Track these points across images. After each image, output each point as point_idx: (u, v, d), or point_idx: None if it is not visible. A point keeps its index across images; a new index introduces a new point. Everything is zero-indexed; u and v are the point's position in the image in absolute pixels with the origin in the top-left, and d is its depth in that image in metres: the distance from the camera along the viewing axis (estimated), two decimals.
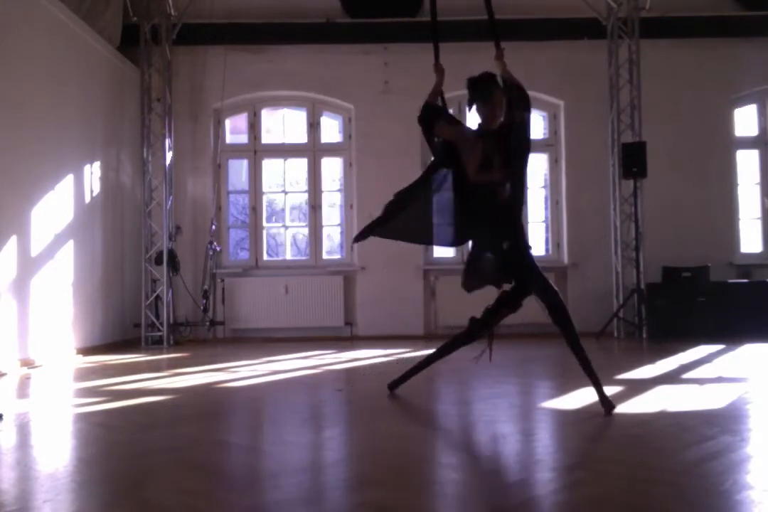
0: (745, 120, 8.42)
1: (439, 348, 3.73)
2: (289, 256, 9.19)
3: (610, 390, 3.87)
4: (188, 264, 7.99)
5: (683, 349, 6.07)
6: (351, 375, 5.06)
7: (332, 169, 8.85)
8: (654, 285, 7.44)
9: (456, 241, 3.86)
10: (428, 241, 4.17)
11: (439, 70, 3.75)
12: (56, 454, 2.68)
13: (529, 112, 3.50)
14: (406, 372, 3.85)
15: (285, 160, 8.56)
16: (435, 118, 3.60)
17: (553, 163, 8.36)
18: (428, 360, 3.79)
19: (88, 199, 6.88)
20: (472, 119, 3.68)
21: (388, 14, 8.08)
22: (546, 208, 8.45)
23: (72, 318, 6.48)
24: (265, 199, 8.69)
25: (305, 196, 8.61)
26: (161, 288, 7.64)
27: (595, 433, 2.82)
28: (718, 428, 2.82)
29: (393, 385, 3.85)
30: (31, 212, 5.80)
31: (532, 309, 8.80)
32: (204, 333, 7.91)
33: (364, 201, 7.95)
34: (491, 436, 2.91)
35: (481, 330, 3.57)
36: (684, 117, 8.03)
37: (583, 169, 8.10)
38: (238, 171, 9.77)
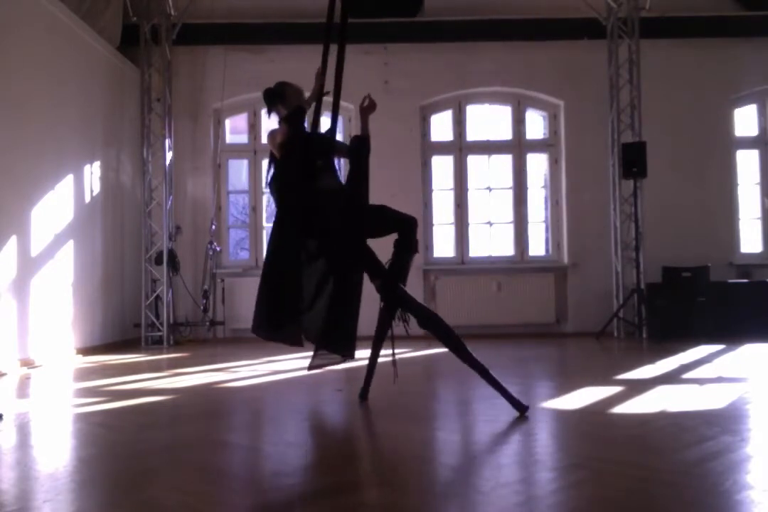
0: (745, 120, 8.42)
1: (458, 349, 3.55)
2: None
3: (610, 390, 3.88)
4: (188, 264, 7.99)
5: (683, 349, 6.07)
6: (351, 375, 5.06)
7: None
8: (654, 285, 7.44)
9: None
10: None
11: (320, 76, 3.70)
12: (56, 454, 2.67)
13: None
14: (495, 384, 3.33)
15: None
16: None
17: (553, 163, 8.36)
18: (466, 356, 3.49)
19: (88, 199, 6.88)
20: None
21: (388, 14, 8.08)
22: (546, 208, 8.45)
23: (72, 318, 6.48)
24: (265, 198, 8.68)
25: None
26: (161, 288, 7.64)
27: (595, 433, 2.82)
28: (718, 428, 2.82)
29: (517, 403, 3.22)
30: (31, 212, 5.80)
31: (532, 309, 8.73)
32: (204, 333, 7.92)
33: None
34: (491, 436, 2.91)
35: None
36: (684, 117, 8.03)
37: (583, 169, 8.11)
38: (238, 171, 9.77)
